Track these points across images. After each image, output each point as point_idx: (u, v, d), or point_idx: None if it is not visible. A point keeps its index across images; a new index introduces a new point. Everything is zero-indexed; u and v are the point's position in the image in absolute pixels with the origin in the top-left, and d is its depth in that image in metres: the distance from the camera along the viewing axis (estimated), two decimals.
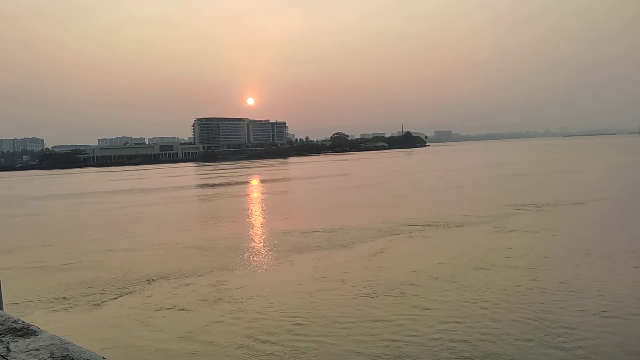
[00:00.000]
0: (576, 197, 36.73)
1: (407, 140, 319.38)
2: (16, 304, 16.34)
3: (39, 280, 19.80)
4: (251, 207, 43.05)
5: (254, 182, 78.63)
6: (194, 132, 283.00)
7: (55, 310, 15.93)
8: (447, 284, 16.40)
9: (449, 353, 11.20)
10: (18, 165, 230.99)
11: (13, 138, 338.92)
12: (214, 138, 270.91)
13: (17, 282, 19.48)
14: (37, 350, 2.98)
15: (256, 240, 27.22)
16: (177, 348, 12.40)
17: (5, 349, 3.06)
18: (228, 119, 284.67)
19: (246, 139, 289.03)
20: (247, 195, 57.29)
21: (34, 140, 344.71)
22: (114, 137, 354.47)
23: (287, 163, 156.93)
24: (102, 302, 16.55)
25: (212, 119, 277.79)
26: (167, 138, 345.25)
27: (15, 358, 2.90)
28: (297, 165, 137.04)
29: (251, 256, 22.70)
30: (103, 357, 2.81)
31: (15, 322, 3.57)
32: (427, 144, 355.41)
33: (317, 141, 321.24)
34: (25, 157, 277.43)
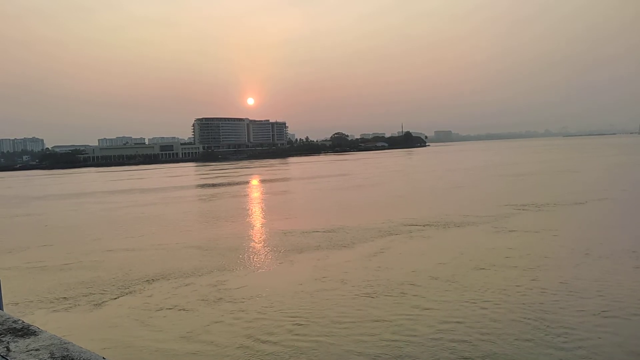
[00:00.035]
0: (576, 197, 36.73)
1: (407, 140, 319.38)
2: (16, 304, 16.34)
3: (39, 280, 19.80)
4: (251, 207, 43.05)
5: (254, 182, 78.64)
6: (194, 132, 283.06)
7: (55, 310, 15.93)
8: (447, 284, 16.40)
9: (449, 353, 11.20)
10: (18, 165, 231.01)
11: (13, 138, 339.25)
12: (214, 138, 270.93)
13: (17, 282, 19.48)
14: (37, 350, 2.98)
15: (256, 240, 27.21)
16: (178, 348, 12.40)
17: (5, 349, 3.06)
18: (228, 119, 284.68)
19: (246, 139, 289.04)
20: (247, 195, 57.29)
21: (34, 140, 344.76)
22: (114, 137, 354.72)
23: (287, 163, 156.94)
24: (103, 302, 16.55)
25: (212, 119, 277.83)
26: (167, 138, 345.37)
27: (15, 358, 2.90)
28: (297, 165, 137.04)
29: (251, 256, 22.70)
30: (103, 357, 2.81)
31: (15, 322, 3.57)
32: (427, 144, 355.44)
33: (317, 141, 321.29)
34: (25, 157, 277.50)
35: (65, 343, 3.04)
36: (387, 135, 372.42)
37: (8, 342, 3.16)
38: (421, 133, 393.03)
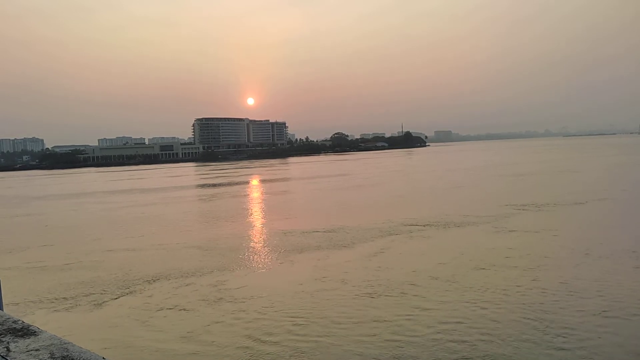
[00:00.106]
0: (576, 197, 36.72)
1: (407, 140, 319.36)
2: (17, 304, 16.34)
3: (40, 280, 19.80)
4: (251, 207, 43.05)
5: (254, 182, 78.64)
6: (194, 132, 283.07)
7: (55, 310, 15.93)
8: (447, 284, 16.39)
9: (449, 353, 11.20)
10: (18, 165, 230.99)
11: (13, 138, 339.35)
12: (214, 138, 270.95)
13: (17, 282, 19.48)
14: (37, 350, 2.98)
15: (256, 240, 27.21)
16: (178, 348, 12.40)
17: (5, 349, 3.06)
18: (228, 119, 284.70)
19: (246, 139, 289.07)
20: (247, 195, 57.29)
21: (34, 140, 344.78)
22: (114, 137, 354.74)
23: (287, 163, 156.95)
24: (103, 302, 16.55)
25: (212, 119, 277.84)
26: (167, 138, 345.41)
27: (15, 358, 2.90)
28: (297, 165, 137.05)
29: (251, 256, 22.70)
30: (103, 357, 2.81)
31: (15, 322, 3.56)
32: (427, 144, 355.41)
33: (317, 141, 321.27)
34: (25, 157, 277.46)
35: (65, 343, 3.03)
36: (387, 135, 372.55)
37: (8, 342, 3.16)
38: (421, 133, 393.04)
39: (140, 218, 38.17)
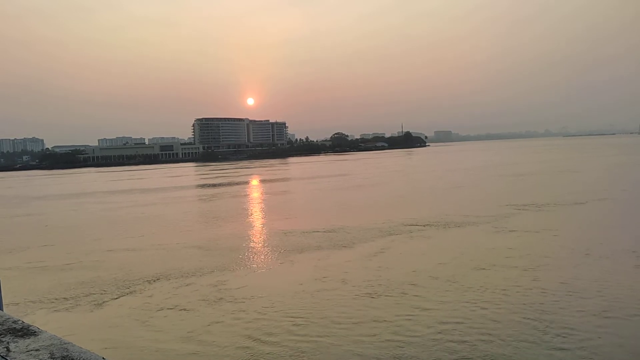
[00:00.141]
0: (576, 197, 36.72)
1: (407, 141, 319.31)
2: (17, 304, 16.34)
3: (40, 280, 19.80)
4: (251, 207, 43.05)
5: (254, 182, 78.65)
6: (194, 132, 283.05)
7: (56, 310, 15.93)
8: (447, 284, 16.39)
9: (449, 354, 11.20)
10: (18, 166, 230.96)
11: (13, 138, 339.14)
12: (214, 138, 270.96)
13: (17, 282, 19.48)
14: (37, 350, 2.98)
15: (256, 240, 27.22)
16: (178, 348, 12.40)
17: (5, 349, 3.06)
18: (228, 119, 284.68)
19: (246, 139, 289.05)
20: (248, 195, 57.29)
21: (34, 140, 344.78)
22: (114, 137, 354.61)
23: (287, 163, 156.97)
24: (103, 302, 16.55)
25: (212, 119, 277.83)
26: (167, 138, 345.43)
27: (15, 358, 2.90)
28: (297, 165, 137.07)
29: (252, 256, 22.71)
30: (103, 357, 2.80)
31: (15, 322, 3.56)
32: (427, 144, 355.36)
33: (317, 141, 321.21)
34: (25, 157, 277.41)
35: (65, 343, 3.03)
36: (387, 135, 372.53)
37: (8, 343, 3.15)
38: (421, 133, 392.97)
39: (140, 218, 38.17)
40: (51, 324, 14.36)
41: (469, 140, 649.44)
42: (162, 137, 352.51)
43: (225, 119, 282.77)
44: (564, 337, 11.74)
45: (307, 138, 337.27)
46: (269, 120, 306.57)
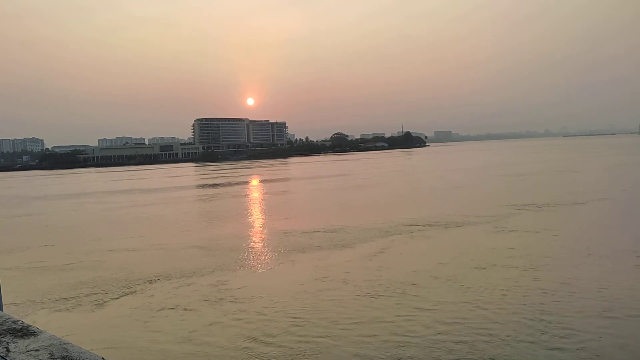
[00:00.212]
0: (576, 197, 36.72)
1: (407, 141, 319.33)
2: (17, 304, 16.34)
3: (40, 280, 19.79)
4: (252, 207, 43.05)
5: (254, 182, 78.66)
6: (193, 132, 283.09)
7: (56, 311, 15.92)
8: (447, 284, 16.39)
9: (450, 354, 11.19)
10: (18, 166, 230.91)
11: (13, 138, 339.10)
12: (214, 138, 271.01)
13: (18, 282, 19.48)
14: (36, 350, 2.97)
15: (257, 240, 27.21)
16: (179, 348, 12.39)
17: (5, 349, 3.05)
18: (228, 119, 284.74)
19: (246, 139, 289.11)
20: (248, 195, 57.30)
21: (34, 140, 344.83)
22: (114, 137, 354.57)
23: (287, 163, 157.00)
24: (104, 302, 16.54)
25: (212, 119, 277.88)
26: (167, 138, 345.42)
27: (14, 358, 2.89)
28: (297, 165, 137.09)
29: (252, 256, 22.70)
30: (103, 358, 2.79)
31: (14, 322, 3.55)
32: (427, 144, 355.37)
33: (317, 141, 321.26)
34: (25, 158, 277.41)
35: (65, 344, 3.02)
36: (387, 135, 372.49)
37: (7, 343, 3.15)
38: (421, 133, 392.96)
39: (140, 218, 38.17)
40: (52, 324, 14.36)
41: (469, 140, 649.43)
42: (162, 137, 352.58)
43: (225, 119, 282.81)
44: (564, 337, 11.73)
45: (307, 138, 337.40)
46: (269, 121, 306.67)
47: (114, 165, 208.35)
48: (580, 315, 13.05)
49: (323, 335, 12.67)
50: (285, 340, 12.43)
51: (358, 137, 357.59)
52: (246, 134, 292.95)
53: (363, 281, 17.21)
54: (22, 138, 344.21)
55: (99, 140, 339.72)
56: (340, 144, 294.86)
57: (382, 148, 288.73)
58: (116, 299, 16.86)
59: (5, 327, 3.46)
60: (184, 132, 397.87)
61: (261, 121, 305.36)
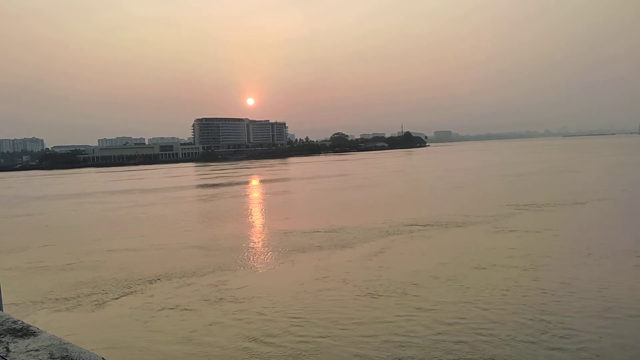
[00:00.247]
0: (576, 197, 36.72)
1: (407, 141, 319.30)
2: (17, 304, 16.33)
3: (40, 280, 19.79)
4: (252, 207, 43.05)
5: (254, 182, 78.66)
6: (193, 132, 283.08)
7: (56, 311, 15.92)
8: (448, 284, 16.39)
9: (450, 354, 11.18)
10: (18, 166, 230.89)
11: (13, 138, 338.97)
12: (214, 138, 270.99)
13: (18, 282, 19.47)
14: (36, 350, 2.97)
15: (257, 240, 27.21)
16: (179, 348, 12.39)
17: (5, 349, 3.05)
18: (228, 119, 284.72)
19: (246, 139, 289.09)
20: (248, 195, 57.30)
21: (34, 140, 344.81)
22: (114, 138, 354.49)
23: (287, 163, 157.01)
24: (104, 302, 16.54)
25: (212, 119, 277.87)
26: (167, 138, 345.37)
27: (14, 358, 2.89)
28: (297, 165, 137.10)
29: (252, 256, 22.70)
30: (103, 358, 2.79)
31: (14, 322, 3.55)
32: (427, 144, 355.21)
33: (317, 141, 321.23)
34: (25, 158, 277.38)
35: (64, 344, 3.02)
36: (387, 135, 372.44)
37: (7, 343, 3.14)
38: (421, 133, 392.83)
39: (140, 218, 38.17)
40: (52, 324, 14.35)
41: (469, 140, 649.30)
42: (162, 137, 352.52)
43: (225, 119, 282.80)
44: (564, 337, 11.73)
45: (307, 138, 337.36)
46: (269, 121, 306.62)
47: (114, 165, 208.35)
48: (580, 315, 13.05)
49: (323, 335, 12.66)
50: (286, 340, 12.43)
51: (358, 137, 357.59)
52: (246, 134, 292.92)
53: (363, 281, 17.21)
54: (22, 138, 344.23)
55: (99, 140, 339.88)
56: (340, 144, 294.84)
57: (382, 148, 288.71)
58: (116, 299, 16.86)
59: (5, 327, 3.46)
60: (184, 132, 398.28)
61: (261, 121, 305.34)
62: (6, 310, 4.95)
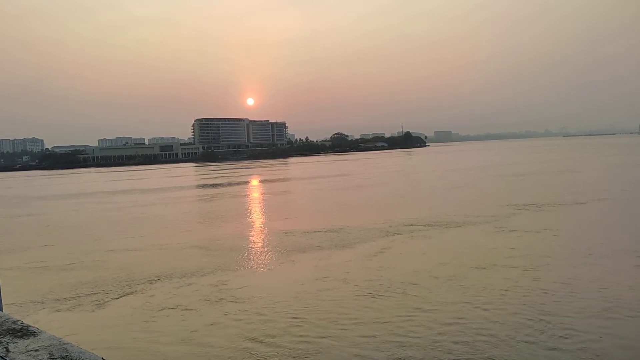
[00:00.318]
0: (576, 197, 36.71)
1: (407, 141, 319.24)
2: (18, 304, 16.32)
3: (41, 281, 19.78)
4: (252, 208, 43.04)
5: (255, 182, 78.65)
6: (193, 132, 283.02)
7: (57, 311, 15.92)
8: (448, 284, 16.38)
9: (450, 354, 11.18)
10: (18, 166, 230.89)
11: (13, 138, 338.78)
12: (214, 138, 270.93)
13: (18, 282, 19.47)
14: (36, 350, 2.96)
15: (257, 241, 27.21)
16: (179, 349, 12.38)
17: (5, 349, 3.04)
18: (228, 119, 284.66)
19: (246, 139, 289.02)
20: (248, 195, 57.29)
21: (34, 140, 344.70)
22: (114, 138, 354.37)
23: (287, 163, 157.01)
24: (104, 302, 16.53)
25: (212, 119, 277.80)
26: (167, 138, 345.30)
27: (14, 359, 2.88)
28: (297, 165, 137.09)
29: (252, 256, 22.69)
30: (102, 358, 2.79)
31: (14, 322, 3.55)
32: (426, 144, 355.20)
33: (317, 141, 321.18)
34: (25, 158, 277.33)
35: (64, 344, 3.02)
36: (387, 135, 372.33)
37: (7, 343, 3.14)
38: (421, 133, 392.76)
39: (140, 218, 38.16)
40: (52, 324, 14.35)
41: (469, 140, 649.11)
42: (162, 137, 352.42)
43: (225, 119, 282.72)
44: (564, 337, 11.72)
45: (307, 138, 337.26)
46: (268, 121, 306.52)
47: (114, 166, 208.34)
48: (580, 316, 13.04)
49: (323, 335, 12.66)
50: (286, 341, 12.43)
51: (358, 137, 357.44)
52: (246, 134, 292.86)
53: (363, 281, 17.20)
54: (22, 138, 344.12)
55: (99, 140, 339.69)
56: (340, 144, 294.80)
57: (382, 148, 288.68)
58: (117, 299, 16.85)
59: (5, 327, 3.45)
60: (184, 132, 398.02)
61: (261, 121, 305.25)
62: (6, 310, 4.95)
